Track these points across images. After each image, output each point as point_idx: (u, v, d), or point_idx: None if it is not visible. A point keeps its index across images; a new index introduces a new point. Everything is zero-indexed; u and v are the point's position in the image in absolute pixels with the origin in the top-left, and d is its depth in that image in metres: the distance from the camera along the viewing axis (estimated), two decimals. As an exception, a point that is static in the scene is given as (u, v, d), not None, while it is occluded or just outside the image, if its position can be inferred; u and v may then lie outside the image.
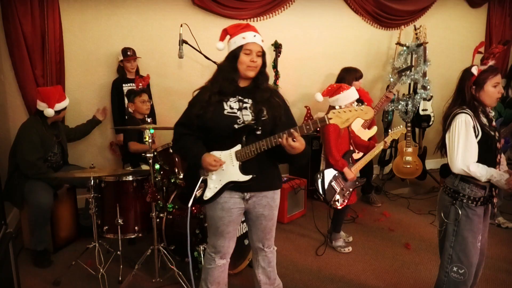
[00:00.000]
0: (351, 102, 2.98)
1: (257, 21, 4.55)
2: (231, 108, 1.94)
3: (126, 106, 3.76)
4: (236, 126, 1.92)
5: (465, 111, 1.98)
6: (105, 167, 4.08)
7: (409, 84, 4.87)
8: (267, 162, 2.02)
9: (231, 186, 1.96)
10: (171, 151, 2.75)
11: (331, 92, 3.04)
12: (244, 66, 1.91)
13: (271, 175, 2.08)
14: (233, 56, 1.92)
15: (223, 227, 2.03)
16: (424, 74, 4.61)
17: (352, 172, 3.04)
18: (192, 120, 1.95)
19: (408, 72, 4.42)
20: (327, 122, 1.77)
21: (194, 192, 1.97)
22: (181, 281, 2.59)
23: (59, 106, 3.11)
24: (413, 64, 4.61)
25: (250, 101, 1.97)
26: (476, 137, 1.96)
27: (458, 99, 2.06)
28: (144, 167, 3.45)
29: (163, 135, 4.09)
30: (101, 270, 2.66)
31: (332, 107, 3.09)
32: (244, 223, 2.72)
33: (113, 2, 4.00)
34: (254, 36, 1.92)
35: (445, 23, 5.44)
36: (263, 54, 1.96)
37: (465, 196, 2.01)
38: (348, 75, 3.92)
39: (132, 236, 2.87)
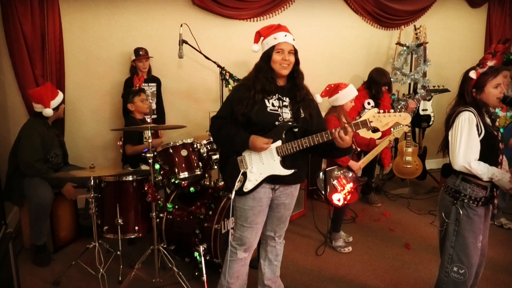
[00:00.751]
0: (351, 100, 3.01)
1: (257, 21, 4.55)
2: (273, 105, 2.05)
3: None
4: (277, 123, 2.04)
5: (469, 109, 1.99)
6: (105, 167, 4.08)
7: (409, 84, 4.87)
8: (301, 158, 2.16)
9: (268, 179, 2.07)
10: (171, 151, 2.75)
11: (329, 92, 3.07)
12: (278, 65, 2.03)
13: (303, 170, 2.22)
14: (267, 56, 2.05)
15: (252, 217, 2.11)
16: (424, 74, 4.62)
17: (357, 163, 3.06)
18: (236, 116, 2.04)
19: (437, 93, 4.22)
20: (368, 125, 1.95)
21: (235, 185, 2.05)
22: (181, 281, 2.59)
23: (54, 103, 3.11)
24: (446, 88, 4.45)
25: (288, 99, 2.09)
26: (479, 135, 1.96)
27: (460, 102, 2.07)
28: (144, 167, 3.44)
29: (168, 132, 4.12)
30: (101, 270, 2.66)
31: (333, 107, 3.11)
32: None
33: (113, 2, 4.00)
34: (285, 35, 2.05)
35: (445, 23, 5.44)
36: (295, 52, 2.07)
37: (466, 196, 2.01)
38: (380, 78, 3.90)
39: (132, 236, 2.86)
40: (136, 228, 2.83)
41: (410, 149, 4.55)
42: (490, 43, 5.61)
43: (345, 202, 3.04)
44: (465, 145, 1.95)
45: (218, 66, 3.61)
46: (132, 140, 3.40)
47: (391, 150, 4.83)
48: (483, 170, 1.94)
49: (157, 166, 2.68)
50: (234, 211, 2.16)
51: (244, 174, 2.07)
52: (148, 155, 2.61)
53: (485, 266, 2.94)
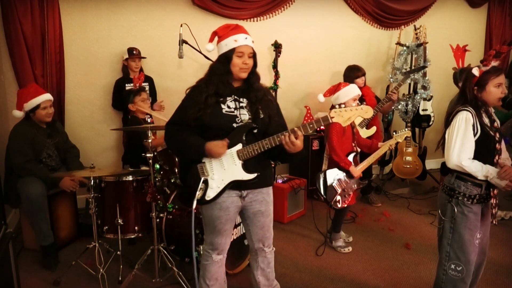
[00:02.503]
0: (354, 98, 3.00)
1: (257, 21, 4.55)
2: (229, 107, 1.97)
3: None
4: (235, 125, 1.96)
5: (467, 109, 2.00)
6: (105, 167, 4.08)
7: (409, 84, 4.87)
8: (264, 160, 2.08)
9: (232, 185, 1.99)
10: (171, 151, 2.75)
11: (331, 91, 3.09)
12: (237, 68, 1.94)
13: (268, 173, 2.15)
14: (226, 58, 1.94)
15: (220, 226, 2.05)
16: (424, 74, 4.61)
17: (357, 171, 3.06)
18: (189, 121, 1.96)
19: (417, 73, 4.33)
20: (330, 121, 1.85)
21: (196, 194, 1.96)
22: (181, 281, 2.59)
23: (28, 105, 3.00)
24: (423, 65, 4.56)
25: (245, 100, 2.01)
26: (475, 135, 1.98)
27: (461, 99, 2.08)
28: (144, 168, 3.44)
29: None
30: (101, 270, 2.66)
31: (334, 106, 3.11)
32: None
33: (113, 2, 4.00)
34: (246, 38, 1.95)
35: (445, 23, 5.44)
36: (254, 55, 1.99)
37: (460, 194, 2.04)
38: (350, 73, 3.97)
39: (132, 236, 2.86)
40: (136, 228, 2.83)
41: (410, 149, 4.55)
42: (490, 43, 5.61)
43: (345, 204, 3.04)
44: (460, 144, 1.96)
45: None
46: (145, 135, 3.38)
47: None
48: (477, 168, 1.95)
49: (157, 166, 2.68)
50: (203, 218, 2.11)
51: (206, 182, 1.98)
52: (148, 155, 2.61)
53: (486, 266, 2.95)
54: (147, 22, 4.14)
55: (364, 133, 3.92)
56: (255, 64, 2.01)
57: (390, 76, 4.72)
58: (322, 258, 3.15)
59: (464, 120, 1.97)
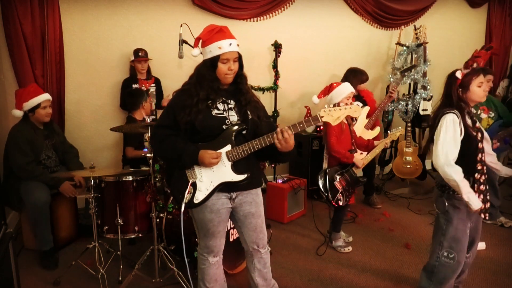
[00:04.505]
0: (347, 97, 3.01)
1: (257, 21, 4.56)
2: (218, 109, 1.97)
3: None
4: (224, 126, 1.96)
5: (453, 111, 2.12)
6: (105, 167, 4.08)
7: (409, 84, 4.87)
8: (254, 161, 2.09)
9: (221, 187, 1.99)
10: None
11: (325, 92, 3.10)
12: (223, 75, 1.95)
13: (257, 174, 2.14)
14: (211, 64, 1.94)
15: (213, 228, 2.05)
16: (424, 74, 4.61)
17: (361, 160, 3.07)
18: (179, 125, 1.94)
19: (410, 72, 4.40)
20: (320, 121, 1.90)
21: (184, 197, 1.94)
22: (181, 281, 2.59)
23: (28, 104, 2.99)
24: (414, 63, 4.60)
25: (232, 102, 2.02)
26: (460, 136, 2.10)
27: (446, 102, 2.21)
28: (144, 168, 3.44)
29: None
30: (101, 270, 2.66)
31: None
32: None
33: (113, 2, 4.00)
34: (230, 44, 1.92)
35: (445, 23, 5.44)
36: (239, 58, 1.99)
37: (450, 189, 2.16)
38: (354, 77, 3.92)
39: (132, 236, 2.86)
40: (136, 228, 2.83)
41: (410, 149, 4.55)
42: (490, 43, 5.61)
43: (346, 201, 3.05)
44: (448, 146, 2.07)
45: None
46: (133, 143, 3.41)
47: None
48: (458, 178, 2.04)
49: (157, 166, 2.68)
50: (194, 222, 2.10)
51: (194, 185, 1.96)
52: (148, 155, 2.61)
53: (485, 266, 2.96)
54: (147, 22, 4.15)
55: (369, 134, 3.92)
56: (241, 67, 2.01)
57: (390, 76, 4.72)
58: (322, 258, 3.15)
59: (452, 122, 2.10)
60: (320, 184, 2.99)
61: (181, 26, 3.23)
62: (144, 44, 4.06)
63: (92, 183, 2.68)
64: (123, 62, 4.08)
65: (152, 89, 4.00)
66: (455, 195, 2.15)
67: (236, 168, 1.97)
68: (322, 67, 4.96)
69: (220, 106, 1.98)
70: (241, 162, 1.97)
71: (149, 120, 2.86)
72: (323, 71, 4.97)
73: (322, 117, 1.89)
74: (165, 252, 2.72)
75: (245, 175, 1.97)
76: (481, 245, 3.20)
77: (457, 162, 2.08)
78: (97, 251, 2.70)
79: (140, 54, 3.89)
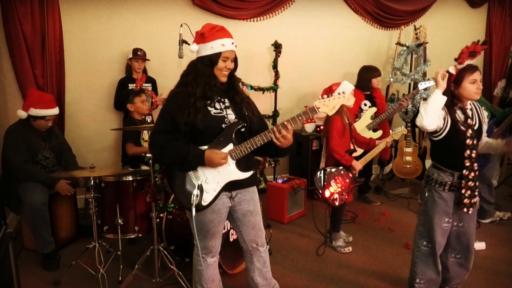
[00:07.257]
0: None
1: (257, 21, 4.56)
2: (216, 108, 1.98)
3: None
4: (223, 125, 1.98)
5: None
6: (105, 167, 4.08)
7: (409, 84, 4.87)
8: (252, 158, 2.12)
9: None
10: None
11: (325, 93, 3.08)
12: (219, 72, 1.97)
13: (255, 171, 2.16)
14: (210, 61, 1.95)
15: (214, 229, 2.06)
16: (424, 74, 4.61)
17: (360, 164, 3.07)
18: (178, 128, 1.92)
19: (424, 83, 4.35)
20: (317, 112, 1.93)
21: (193, 201, 1.91)
22: (181, 281, 2.59)
23: (36, 112, 2.98)
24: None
25: (227, 100, 2.04)
26: (443, 129, 2.17)
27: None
28: (144, 168, 3.44)
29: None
30: (101, 270, 2.66)
31: None
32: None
33: (113, 2, 4.00)
34: (232, 43, 1.98)
35: (445, 23, 5.44)
36: (235, 58, 2.03)
37: (433, 180, 2.28)
38: (368, 72, 4.03)
39: (132, 236, 2.86)
40: (136, 228, 2.83)
41: (410, 149, 4.55)
42: (490, 43, 5.61)
43: (342, 201, 3.05)
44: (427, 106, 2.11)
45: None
46: (133, 138, 3.40)
47: (390, 149, 4.85)
48: (427, 106, 2.10)
49: (157, 166, 2.68)
50: (193, 223, 2.06)
51: (200, 187, 1.95)
52: (148, 155, 2.61)
53: (485, 266, 2.96)
54: (147, 22, 4.15)
55: (370, 135, 3.93)
56: (235, 67, 2.05)
57: (390, 76, 4.72)
58: (322, 258, 3.15)
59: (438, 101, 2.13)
60: (317, 182, 3.00)
61: (181, 26, 3.23)
62: (144, 44, 4.06)
63: (92, 183, 2.68)
64: (123, 62, 4.08)
65: (149, 89, 3.98)
66: (436, 187, 2.25)
67: (240, 166, 1.99)
68: (322, 67, 4.96)
69: (217, 105, 1.99)
70: (243, 159, 1.99)
71: (149, 120, 2.87)
72: (323, 71, 4.96)
73: (319, 108, 1.93)
74: (165, 252, 2.71)
75: (251, 172, 2.00)
76: (481, 245, 3.21)
77: (444, 158, 2.18)
78: (97, 251, 2.70)
79: (139, 53, 3.90)
